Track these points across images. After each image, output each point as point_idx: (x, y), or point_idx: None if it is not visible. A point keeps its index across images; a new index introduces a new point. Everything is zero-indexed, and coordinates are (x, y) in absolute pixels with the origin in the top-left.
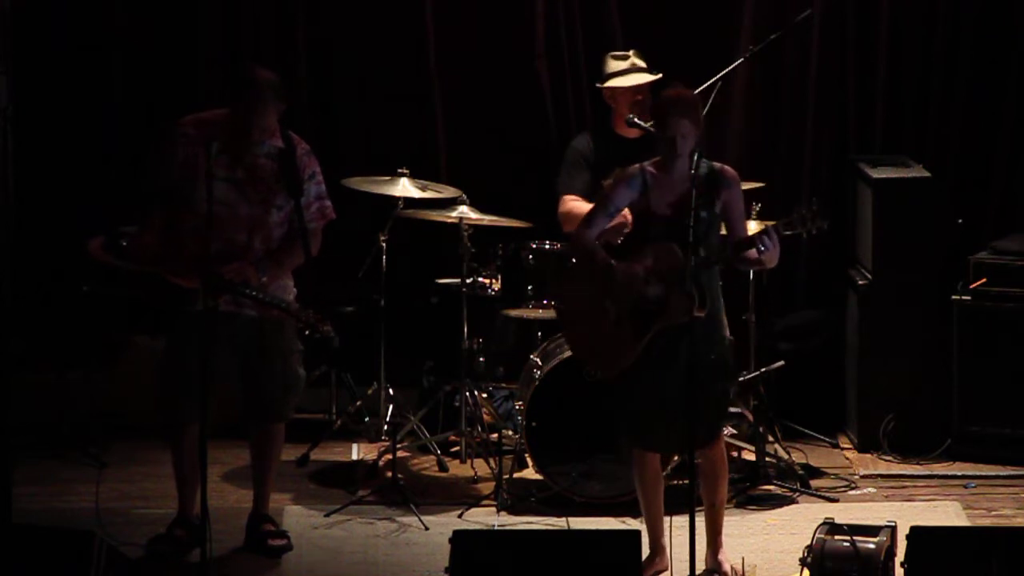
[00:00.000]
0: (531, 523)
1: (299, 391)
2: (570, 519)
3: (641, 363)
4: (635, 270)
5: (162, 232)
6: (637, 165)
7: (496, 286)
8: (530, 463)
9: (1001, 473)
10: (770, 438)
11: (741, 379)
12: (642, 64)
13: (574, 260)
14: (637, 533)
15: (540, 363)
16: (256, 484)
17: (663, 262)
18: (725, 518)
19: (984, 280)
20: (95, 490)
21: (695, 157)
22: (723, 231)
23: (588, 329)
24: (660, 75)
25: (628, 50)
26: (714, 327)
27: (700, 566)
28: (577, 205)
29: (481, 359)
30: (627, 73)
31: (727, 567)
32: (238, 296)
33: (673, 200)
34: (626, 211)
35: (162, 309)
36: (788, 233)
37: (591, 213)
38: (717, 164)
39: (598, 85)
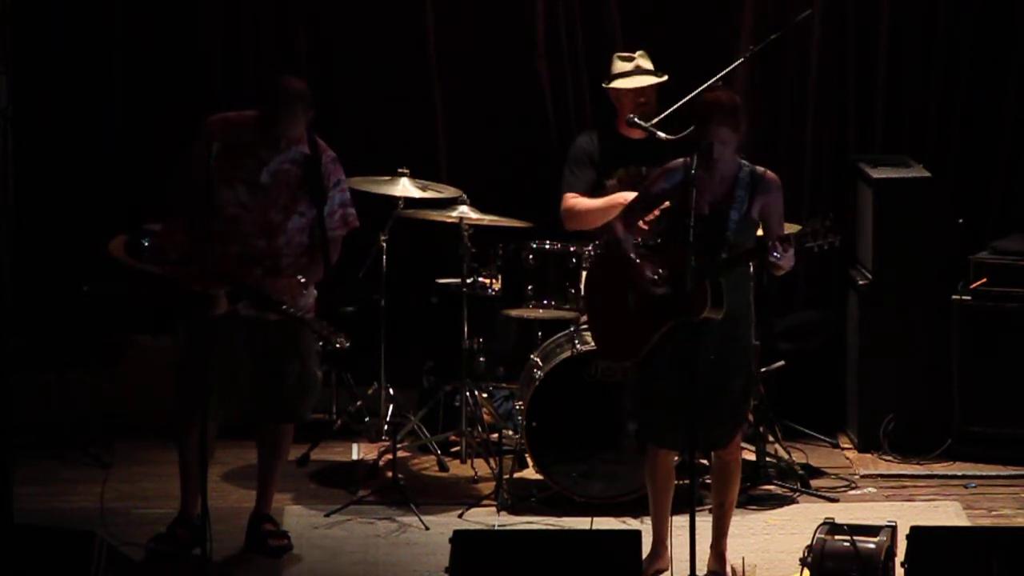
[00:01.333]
0: (531, 523)
1: (316, 392)
2: (569, 519)
3: (659, 361)
4: (646, 270)
5: (185, 233)
6: (681, 159)
7: (496, 286)
8: (530, 463)
9: (1001, 473)
10: (770, 438)
11: None
12: (648, 66)
13: (605, 248)
14: (637, 533)
15: (540, 363)
16: (261, 483)
17: (683, 260)
18: None
19: (984, 280)
20: (100, 490)
21: (692, 156)
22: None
23: (608, 317)
24: (665, 77)
25: (635, 51)
26: (736, 331)
27: (701, 566)
28: (579, 201)
29: (481, 359)
30: (631, 75)
31: (728, 568)
32: (260, 307)
33: (711, 199)
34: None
35: (165, 309)
36: (804, 244)
37: (632, 203)
38: (760, 168)
39: (603, 85)
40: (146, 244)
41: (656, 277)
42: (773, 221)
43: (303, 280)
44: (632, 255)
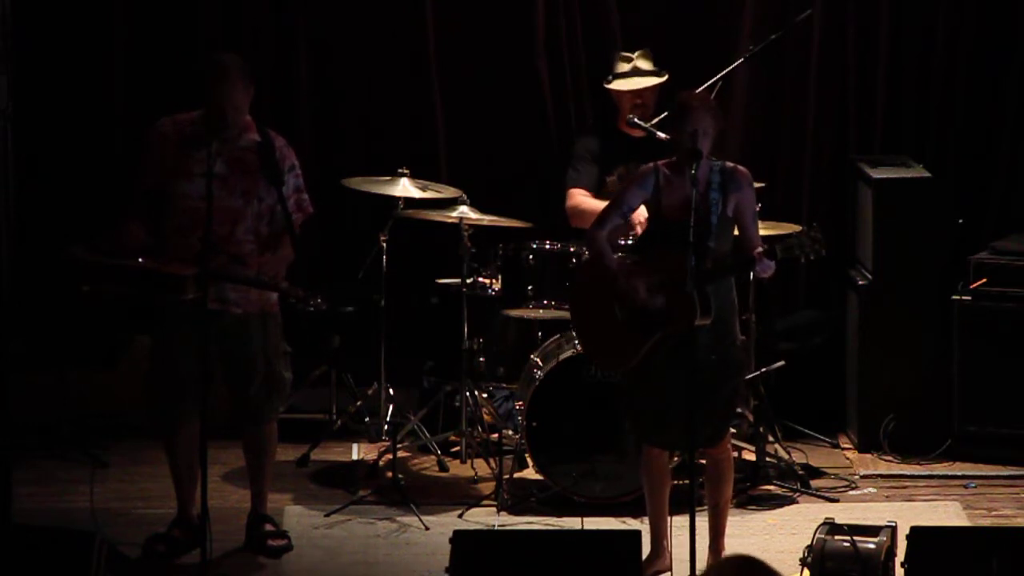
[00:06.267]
0: (531, 523)
1: (284, 393)
2: (569, 519)
3: (651, 362)
4: (637, 285)
5: (146, 229)
6: (651, 164)
7: (496, 286)
8: (530, 463)
9: (1001, 473)
10: (770, 438)
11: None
12: (647, 67)
13: (586, 258)
14: (637, 533)
15: (540, 363)
16: (252, 484)
17: (667, 270)
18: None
19: (984, 280)
20: (90, 489)
21: (692, 160)
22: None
23: (596, 327)
24: (665, 78)
25: (635, 51)
26: (725, 330)
27: (700, 566)
28: (585, 200)
29: (481, 359)
30: (628, 76)
31: None
32: (231, 283)
33: (685, 203)
34: (638, 214)
35: (158, 307)
36: (792, 255)
37: (604, 212)
38: (729, 164)
39: (604, 84)
40: (101, 243)
41: (647, 296)
42: (747, 219)
43: (273, 263)
44: (617, 271)
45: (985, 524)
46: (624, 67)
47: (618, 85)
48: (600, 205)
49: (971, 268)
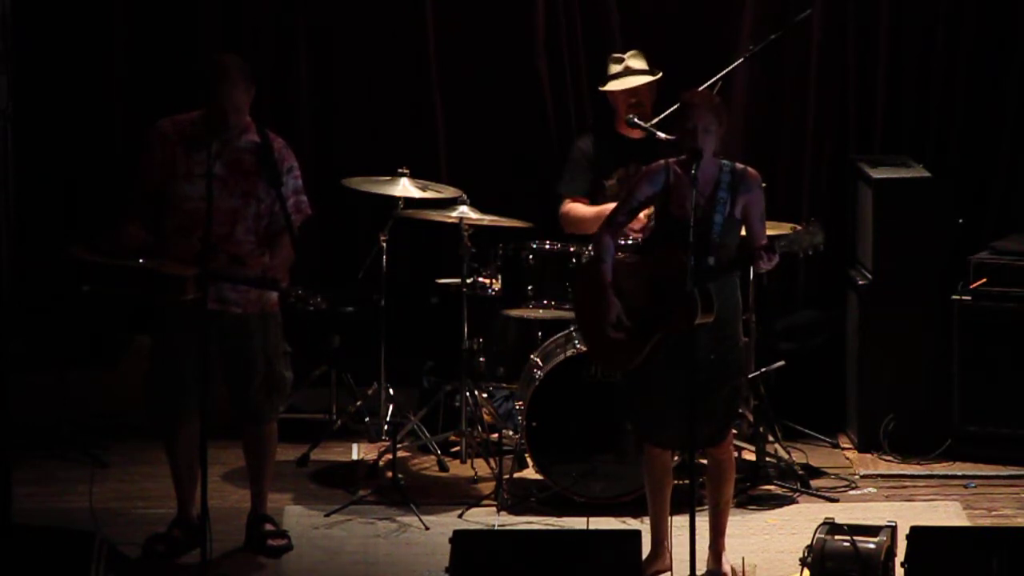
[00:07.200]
0: (531, 523)
1: (285, 393)
2: (569, 519)
3: (652, 361)
4: (611, 308)
5: (146, 229)
6: (662, 161)
7: (496, 286)
8: (530, 463)
9: (1001, 473)
10: (770, 438)
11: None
12: (639, 66)
13: (589, 258)
14: (637, 533)
15: (540, 363)
16: (252, 484)
17: (669, 269)
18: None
19: (984, 280)
20: (89, 489)
21: (698, 156)
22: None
23: (599, 328)
24: (658, 76)
25: (628, 51)
26: (726, 330)
27: (701, 566)
28: (574, 210)
29: (481, 359)
30: (622, 76)
31: (727, 568)
32: (231, 283)
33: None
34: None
35: (158, 307)
36: (785, 251)
37: (614, 211)
38: (740, 165)
39: (599, 88)
40: (102, 243)
41: (615, 322)
42: (755, 219)
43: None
44: (609, 290)
45: (985, 524)
46: (616, 68)
47: (612, 86)
48: (587, 213)
49: (971, 268)
